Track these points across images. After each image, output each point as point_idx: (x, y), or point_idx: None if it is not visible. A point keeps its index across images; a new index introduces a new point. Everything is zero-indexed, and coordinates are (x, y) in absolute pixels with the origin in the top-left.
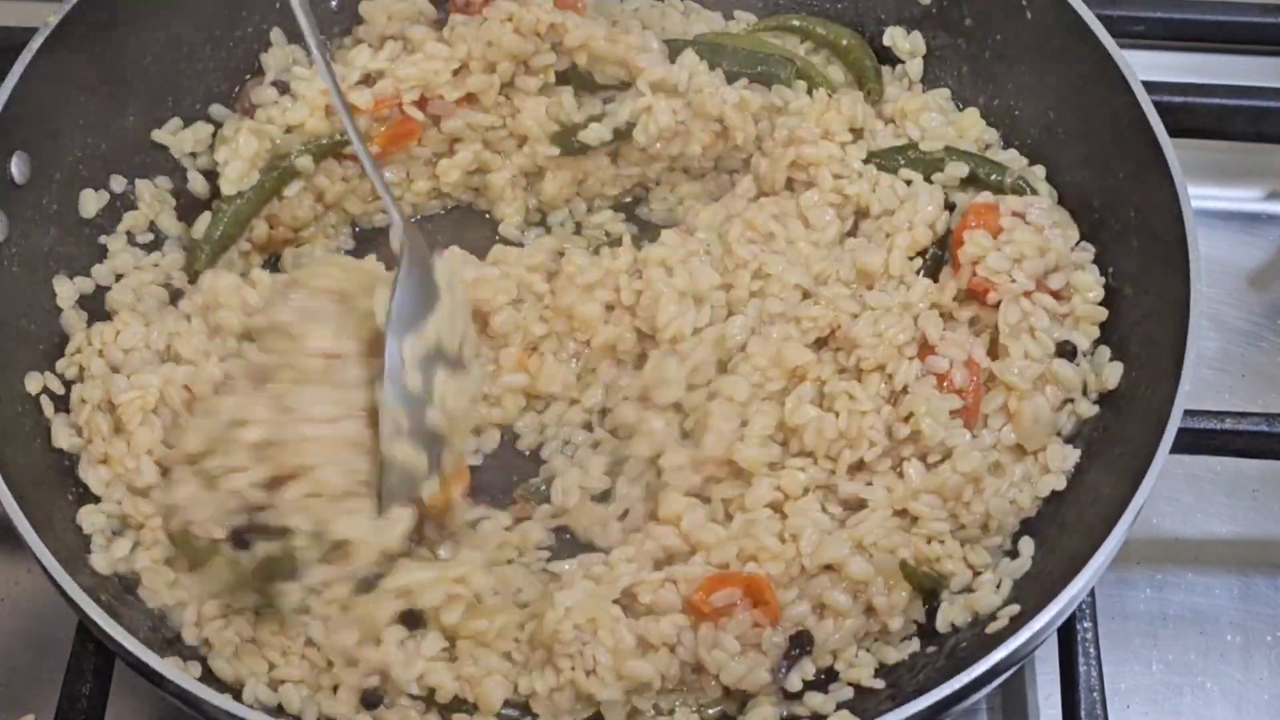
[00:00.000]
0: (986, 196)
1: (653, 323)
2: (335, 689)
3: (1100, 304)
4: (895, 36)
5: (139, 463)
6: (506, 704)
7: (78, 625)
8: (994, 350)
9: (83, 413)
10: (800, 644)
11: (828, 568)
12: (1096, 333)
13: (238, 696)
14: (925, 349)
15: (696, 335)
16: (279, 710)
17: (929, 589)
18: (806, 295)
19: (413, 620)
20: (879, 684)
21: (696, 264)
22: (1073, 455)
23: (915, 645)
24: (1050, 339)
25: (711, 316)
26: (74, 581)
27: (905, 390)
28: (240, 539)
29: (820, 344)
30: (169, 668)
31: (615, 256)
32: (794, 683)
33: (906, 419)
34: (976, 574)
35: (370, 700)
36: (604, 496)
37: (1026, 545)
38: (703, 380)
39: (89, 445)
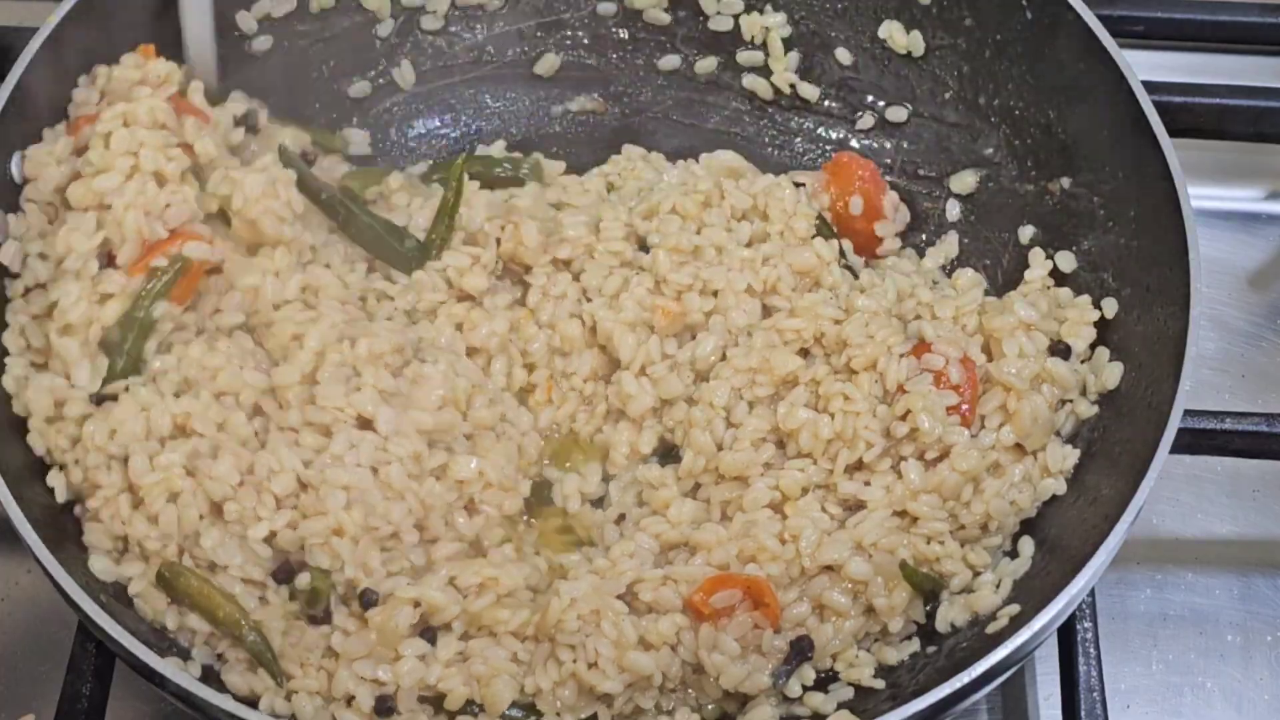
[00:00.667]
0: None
1: (617, 355)
2: (349, 700)
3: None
4: (892, 30)
5: (165, 543)
6: (513, 705)
7: (78, 625)
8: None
9: (94, 497)
10: (800, 650)
11: (828, 568)
12: (1092, 334)
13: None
14: (920, 346)
15: (668, 360)
16: None
17: (929, 589)
18: (767, 305)
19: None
20: (879, 684)
21: (639, 293)
22: (1072, 456)
23: (915, 645)
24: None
25: (679, 341)
26: (74, 581)
27: (901, 389)
28: (281, 576)
29: (805, 352)
30: (169, 668)
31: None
32: (793, 689)
33: (904, 417)
34: (976, 574)
35: (383, 709)
36: (600, 502)
37: (1026, 545)
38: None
39: (102, 522)
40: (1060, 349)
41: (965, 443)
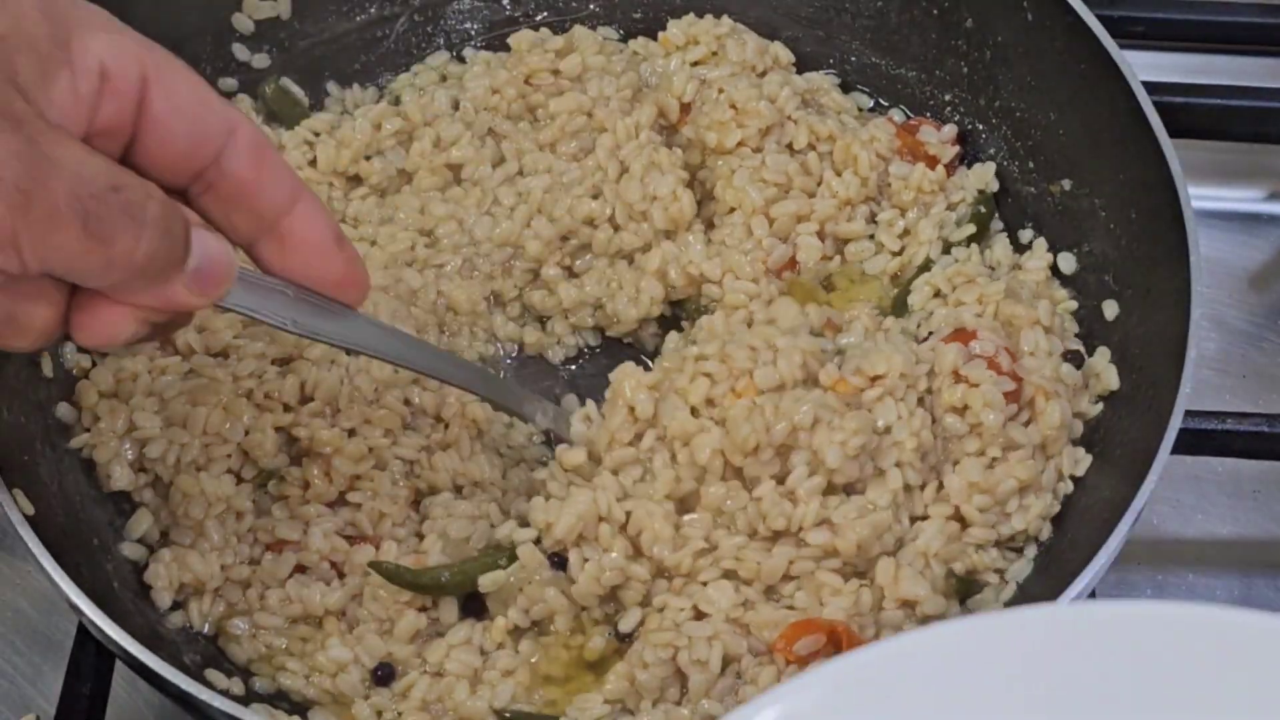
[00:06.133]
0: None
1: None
2: None
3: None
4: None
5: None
6: None
7: (78, 625)
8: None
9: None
10: None
11: (904, 603)
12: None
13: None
14: (960, 334)
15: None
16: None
17: (969, 593)
18: None
19: None
20: None
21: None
22: (1085, 460)
23: None
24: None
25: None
26: (74, 581)
27: (956, 374)
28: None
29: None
30: (169, 668)
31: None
32: None
33: (962, 412)
34: (1005, 583)
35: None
36: None
37: (1027, 546)
38: None
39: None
40: (1073, 357)
41: (1027, 449)
